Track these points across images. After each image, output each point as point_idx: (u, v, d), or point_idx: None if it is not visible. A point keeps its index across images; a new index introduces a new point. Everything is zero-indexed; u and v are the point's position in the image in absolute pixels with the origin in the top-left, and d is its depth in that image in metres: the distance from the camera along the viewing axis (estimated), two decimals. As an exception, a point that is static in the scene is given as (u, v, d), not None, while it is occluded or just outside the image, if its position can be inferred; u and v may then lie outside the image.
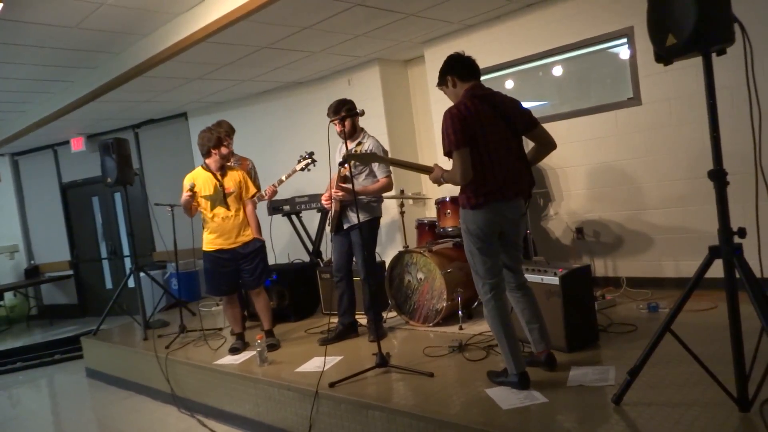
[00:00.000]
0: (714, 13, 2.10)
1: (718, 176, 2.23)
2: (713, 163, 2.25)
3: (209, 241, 4.37)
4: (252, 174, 5.18)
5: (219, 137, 4.33)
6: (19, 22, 4.36)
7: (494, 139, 2.89)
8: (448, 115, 2.87)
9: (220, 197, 4.29)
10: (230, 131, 4.94)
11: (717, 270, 2.33)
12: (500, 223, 2.94)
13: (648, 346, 2.46)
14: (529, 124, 3.03)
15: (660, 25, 2.26)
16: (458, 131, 2.81)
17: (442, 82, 3.09)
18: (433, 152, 5.98)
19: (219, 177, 4.34)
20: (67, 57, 5.42)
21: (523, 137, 3.05)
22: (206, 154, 4.37)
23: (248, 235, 4.37)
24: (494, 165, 2.87)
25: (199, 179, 4.35)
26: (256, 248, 4.38)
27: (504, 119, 2.94)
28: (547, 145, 3.08)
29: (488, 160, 2.86)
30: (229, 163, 4.58)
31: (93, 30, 4.77)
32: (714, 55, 2.23)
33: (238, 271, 4.36)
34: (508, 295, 3.11)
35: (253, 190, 4.47)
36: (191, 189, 4.26)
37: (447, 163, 3.02)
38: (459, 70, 3.02)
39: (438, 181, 3.04)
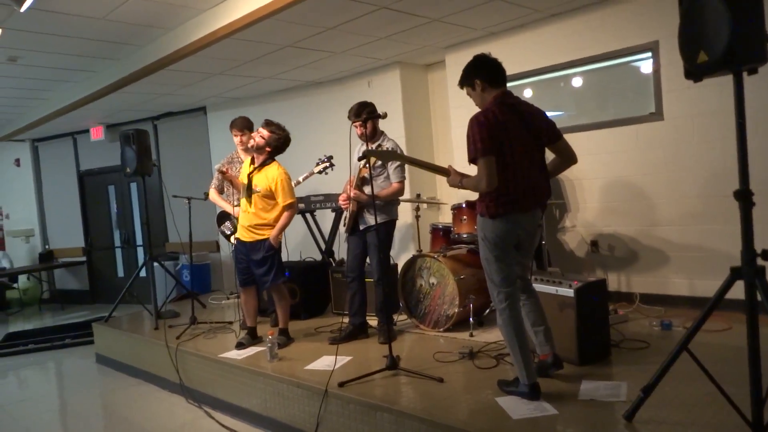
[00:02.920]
0: (748, 32, 2.09)
1: (744, 196, 2.21)
2: (740, 183, 2.23)
3: (238, 228, 4.42)
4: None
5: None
6: (49, 12, 4.42)
7: (519, 149, 2.87)
8: (475, 121, 2.84)
9: (247, 190, 4.30)
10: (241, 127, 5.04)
11: (735, 291, 2.31)
12: (518, 233, 2.94)
13: (664, 364, 2.44)
14: (554, 136, 3.02)
15: (692, 42, 2.25)
16: (485, 139, 2.78)
17: (467, 84, 3.03)
18: (450, 157, 5.97)
19: (253, 171, 4.28)
20: (93, 47, 5.49)
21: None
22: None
23: (262, 235, 4.28)
24: (517, 175, 2.85)
25: (244, 166, 4.43)
26: (266, 250, 4.27)
27: (530, 130, 2.93)
28: (569, 159, 3.08)
29: (511, 170, 2.84)
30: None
31: (119, 22, 4.83)
32: (744, 74, 2.21)
33: (251, 267, 4.38)
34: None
35: (286, 200, 4.22)
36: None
37: (467, 169, 3.02)
38: (488, 74, 2.96)
39: (456, 185, 3.01)
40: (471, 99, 3.09)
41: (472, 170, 2.98)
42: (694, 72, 2.28)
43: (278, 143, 4.26)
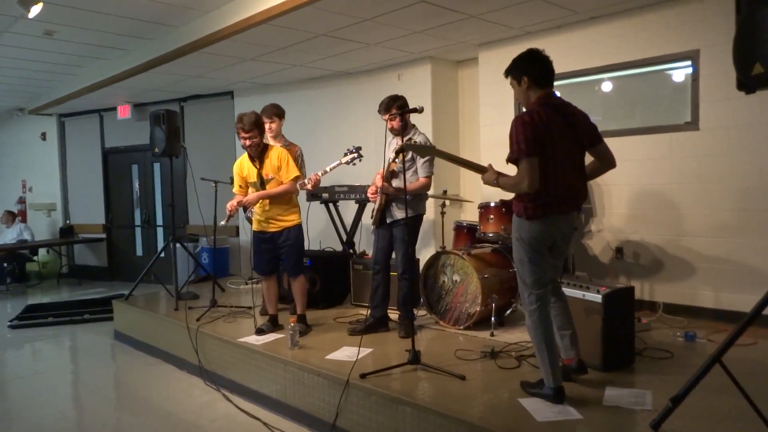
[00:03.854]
0: (807, 46, 2.06)
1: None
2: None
3: (255, 222, 4.44)
4: (299, 161, 5.21)
5: (260, 122, 4.27)
6: (89, -13, 4.46)
7: (561, 151, 2.84)
8: (520, 122, 2.80)
9: (260, 183, 4.33)
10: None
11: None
12: (554, 236, 2.92)
13: (695, 375, 2.42)
14: (595, 139, 2.99)
15: (747, 53, 2.21)
16: (530, 140, 2.74)
17: (514, 77, 2.96)
18: (477, 155, 5.94)
19: (257, 164, 4.33)
20: (128, 26, 5.52)
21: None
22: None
23: (287, 221, 4.36)
24: (557, 177, 2.83)
25: (245, 168, 4.41)
26: (294, 236, 4.35)
27: (573, 132, 2.90)
28: (608, 163, 3.05)
29: (552, 171, 2.81)
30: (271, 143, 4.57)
31: (157, 2, 4.85)
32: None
33: (277, 255, 4.40)
34: None
35: (292, 172, 4.30)
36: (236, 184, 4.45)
37: (504, 168, 2.99)
38: (539, 73, 2.92)
39: (491, 183, 2.97)
40: (513, 91, 3.04)
41: (507, 169, 2.95)
42: (748, 84, 2.25)
43: (260, 126, 4.28)
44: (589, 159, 3.07)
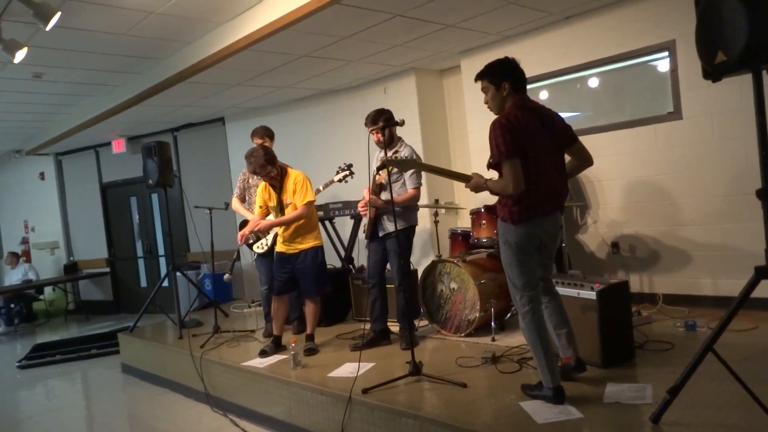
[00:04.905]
0: (766, 30, 2.08)
1: (767, 195, 2.19)
2: (762, 181, 2.22)
3: (278, 243, 4.50)
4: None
5: (262, 164, 4.27)
6: (72, 29, 4.53)
7: (541, 152, 2.87)
8: (498, 125, 2.81)
9: (280, 208, 4.40)
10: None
11: (760, 290, 2.29)
12: (540, 237, 2.95)
13: (689, 365, 2.43)
14: (571, 138, 3.03)
15: (709, 42, 2.25)
16: (509, 141, 2.76)
17: (492, 82, 2.96)
18: (467, 162, 5.99)
19: (278, 190, 4.41)
20: (114, 62, 5.61)
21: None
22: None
23: (308, 243, 4.40)
24: (540, 179, 2.85)
25: (267, 191, 4.48)
26: (312, 257, 4.39)
27: (550, 133, 2.94)
28: (585, 160, 3.09)
29: (534, 173, 2.83)
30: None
31: (141, 37, 4.93)
32: (765, 72, 2.20)
33: (293, 277, 4.44)
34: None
35: (306, 197, 4.31)
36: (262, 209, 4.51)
37: (485, 173, 3.02)
38: (516, 79, 2.95)
39: (478, 189, 2.99)
40: (487, 97, 3.02)
41: (491, 175, 2.98)
42: (713, 72, 2.28)
43: (270, 160, 4.31)
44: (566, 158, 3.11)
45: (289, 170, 4.47)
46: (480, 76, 3.02)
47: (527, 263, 2.93)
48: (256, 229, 4.48)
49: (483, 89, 3.03)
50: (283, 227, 4.40)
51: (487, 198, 3.72)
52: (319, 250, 4.46)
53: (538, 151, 2.86)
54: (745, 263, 4.39)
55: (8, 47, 4.29)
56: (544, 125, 2.93)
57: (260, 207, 4.51)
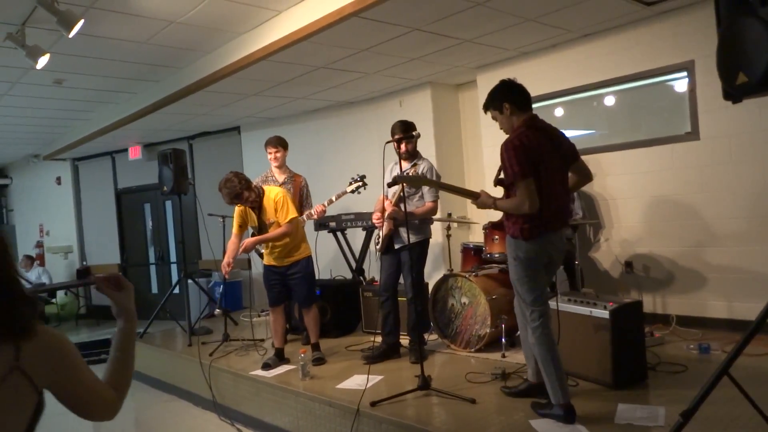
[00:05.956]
0: (788, 53, 2.07)
1: (786, 218, 2.16)
2: (781, 204, 2.19)
3: (265, 256, 4.51)
4: (304, 191, 5.28)
5: (238, 193, 4.22)
6: (94, 37, 4.60)
7: (551, 172, 2.94)
8: (511, 146, 2.89)
9: (264, 229, 4.38)
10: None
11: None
12: (550, 252, 3.00)
13: (703, 388, 2.38)
14: (575, 156, 3.11)
15: (730, 63, 2.23)
16: (523, 162, 2.84)
17: (495, 108, 3.08)
18: (481, 177, 5.98)
19: (257, 212, 4.37)
20: (134, 70, 5.69)
21: None
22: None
23: (298, 255, 4.41)
24: (550, 197, 2.91)
25: (246, 215, 4.45)
26: (303, 268, 4.40)
27: (558, 152, 3.01)
28: (586, 176, 3.20)
29: (546, 191, 2.89)
30: (270, 184, 4.62)
31: (161, 46, 5.00)
32: (785, 94, 2.19)
33: (287, 288, 4.44)
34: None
35: (289, 214, 4.27)
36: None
37: (494, 191, 3.08)
38: (517, 98, 3.03)
39: (484, 207, 3.05)
40: (498, 122, 3.13)
41: (497, 192, 3.06)
42: (734, 93, 2.26)
43: (245, 186, 4.25)
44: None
45: (266, 189, 4.42)
46: (486, 108, 3.15)
47: (537, 279, 2.97)
48: (240, 251, 4.35)
49: (493, 118, 3.15)
50: (269, 246, 4.37)
51: (495, 215, 3.73)
52: (309, 261, 4.49)
53: (549, 170, 2.93)
54: (760, 286, 4.38)
55: (31, 53, 4.36)
56: (554, 144, 3.00)
57: (239, 226, 4.45)
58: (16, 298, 1.29)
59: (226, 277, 4.53)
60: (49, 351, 1.32)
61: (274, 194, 4.35)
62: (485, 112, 3.16)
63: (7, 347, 1.25)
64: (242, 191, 4.20)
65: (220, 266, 4.47)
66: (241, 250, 4.36)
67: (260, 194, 4.36)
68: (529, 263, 2.93)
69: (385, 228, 4.25)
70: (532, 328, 2.96)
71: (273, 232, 4.29)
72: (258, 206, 4.35)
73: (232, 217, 4.66)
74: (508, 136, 3.03)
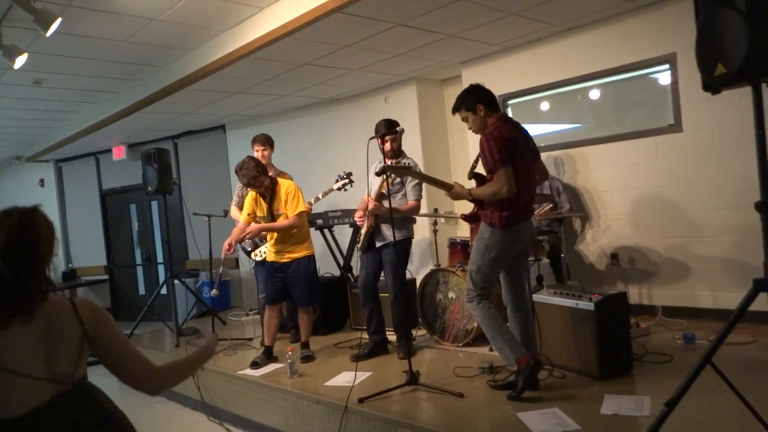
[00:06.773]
0: (766, 43, 2.08)
1: (766, 208, 2.19)
2: (761, 194, 2.21)
3: (269, 252, 4.49)
4: (291, 190, 5.27)
5: (255, 175, 4.23)
6: (73, 36, 4.54)
7: (523, 163, 3.15)
8: (491, 137, 3.08)
9: (271, 218, 4.37)
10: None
11: (759, 303, 2.28)
12: (523, 242, 3.22)
13: (687, 378, 2.40)
14: (537, 154, 3.34)
15: (709, 54, 2.25)
16: (502, 150, 3.04)
17: (468, 108, 3.25)
18: (466, 171, 5.95)
19: (267, 200, 4.38)
20: (115, 69, 5.62)
21: None
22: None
23: (299, 252, 4.38)
24: (522, 187, 3.11)
25: (256, 201, 4.45)
26: (304, 267, 4.38)
27: (528, 146, 3.23)
28: (544, 175, 3.43)
29: (521, 181, 3.09)
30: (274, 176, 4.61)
31: (142, 44, 4.94)
32: (765, 85, 2.20)
33: (285, 286, 4.42)
34: (508, 313, 3.34)
35: (299, 208, 4.30)
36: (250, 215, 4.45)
37: (469, 184, 3.31)
38: (488, 100, 3.25)
39: (458, 198, 3.26)
40: (468, 123, 3.30)
41: (471, 185, 3.28)
42: (713, 84, 2.28)
43: (262, 171, 4.28)
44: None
45: (280, 180, 4.45)
46: (455, 109, 3.33)
47: (495, 268, 3.20)
48: (244, 234, 4.40)
49: (463, 119, 3.33)
50: (274, 238, 4.37)
51: (466, 207, 3.78)
52: (311, 260, 4.45)
53: (522, 162, 3.14)
54: (744, 276, 4.42)
55: (8, 53, 4.29)
56: (525, 139, 3.24)
57: (248, 215, 4.47)
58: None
59: (224, 253, 4.46)
60: (96, 309, 1.74)
61: (286, 186, 4.38)
62: (454, 114, 3.34)
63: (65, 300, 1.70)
64: (259, 174, 4.25)
65: (220, 249, 4.46)
66: (245, 234, 4.39)
67: (273, 183, 4.40)
68: (499, 251, 3.13)
69: (365, 225, 4.24)
70: (472, 307, 3.21)
71: (280, 222, 4.31)
72: (270, 195, 4.36)
73: (225, 212, 4.64)
74: (479, 135, 3.23)
